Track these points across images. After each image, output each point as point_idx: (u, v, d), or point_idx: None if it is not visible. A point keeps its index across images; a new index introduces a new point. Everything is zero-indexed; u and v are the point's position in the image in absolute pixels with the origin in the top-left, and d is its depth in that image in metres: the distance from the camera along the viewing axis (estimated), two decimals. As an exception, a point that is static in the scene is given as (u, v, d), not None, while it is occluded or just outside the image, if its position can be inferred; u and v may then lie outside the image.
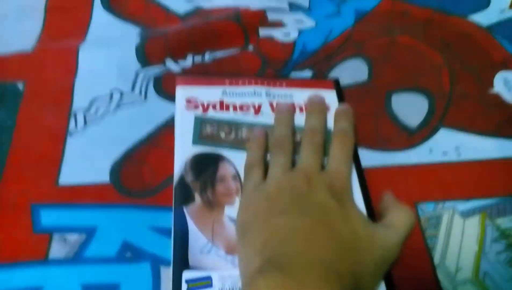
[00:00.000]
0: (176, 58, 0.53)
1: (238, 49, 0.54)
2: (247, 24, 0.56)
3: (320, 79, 0.52)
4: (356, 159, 0.43)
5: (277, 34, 0.56)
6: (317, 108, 0.46)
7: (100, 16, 0.57)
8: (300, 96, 0.48)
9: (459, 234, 0.41)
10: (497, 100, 0.51)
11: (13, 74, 0.50)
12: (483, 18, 0.59)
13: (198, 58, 0.53)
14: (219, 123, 0.45)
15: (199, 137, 0.44)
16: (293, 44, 0.55)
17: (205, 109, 0.46)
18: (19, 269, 0.37)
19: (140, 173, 0.43)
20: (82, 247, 0.38)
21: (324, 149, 0.42)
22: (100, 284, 0.37)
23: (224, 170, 0.42)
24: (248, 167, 0.41)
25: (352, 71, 0.53)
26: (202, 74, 0.51)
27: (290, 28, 0.57)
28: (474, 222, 0.42)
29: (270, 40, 0.56)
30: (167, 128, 0.46)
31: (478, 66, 0.54)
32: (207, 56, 0.53)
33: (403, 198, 0.42)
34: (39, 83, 0.50)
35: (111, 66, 0.51)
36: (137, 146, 0.45)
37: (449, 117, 0.49)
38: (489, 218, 0.42)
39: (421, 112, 0.50)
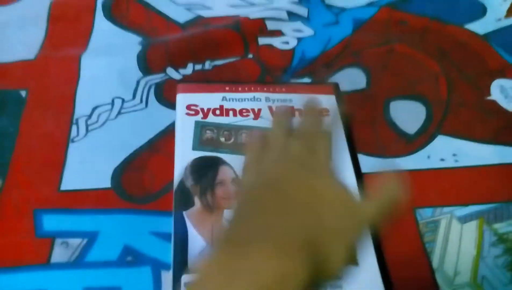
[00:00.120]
0: (176, 66, 0.53)
1: (238, 57, 0.55)
2: (247, 33, 0.57)
3: (319, 84, 0.52)
4: (356, 166, 0.44)
5: (276, 42, 0.57)
6: (311, 111, 0.43)
7: (102, 25, 0.57)
8: (300, 101, 0.49)
9: (457, 238, 0.42)
10: (494, 107, 0.52)
11: (16, 82, 0.51)
12: (479, 27, 0.59)
13: (198, 66, 0.54)
14: (219, 128, 0.46)
15: (199, 142, 0.45)
16: (292, 52, 0.56)
17: (205, 114, 0.47)
18: (22, 272, 0.37)
19: (140, 179, 0.44)
20: (84, 251, 0.39)
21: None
22: (101, 288, 0.37)
23: (224, 174, 0.43)
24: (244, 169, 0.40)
25: (351, 78, 0.53)
26: (202, 81, 0.52)
27: (289, 37, 0.58)
28: (472, 227, 0.42)
29: (270, 48, 0.56)
30: (167, 135, 0.47)
31: (475, 74, 0.55)
32: (207, 64, 0.54)
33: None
34: (42, 90, 0.50)
35: (112, 74, 0.52)
36: (138, 152, 0.46)
37: (446, 124, 0.50)
38: (486, 223, 0.43)
39: (419, 119, 0.50)
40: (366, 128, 0.49)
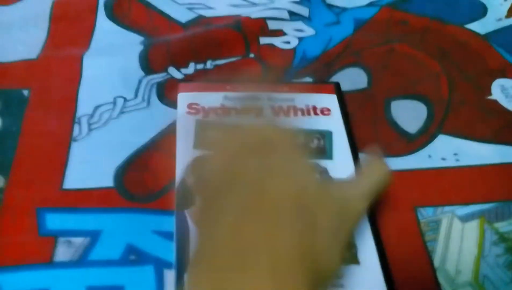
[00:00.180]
0: (178, 66, 0.54)
1: (239, 57, 0.55)
2: (248, 32, 0.57)
3: (321, 83, 0.53)
4: (357, 165, 0.44)
5: (278, 42, 0.57)
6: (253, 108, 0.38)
7: (103, 25, 0.58)
8: (302, 100, 0.49)
9: (459, 237, 0.42)
10: (495, 106, 0.52)
11: (18, 82, 0.51)
12: (480, 27, 0.60)
13: (200, 66, 0.54)
14: (222, 127, 0.46)
15: (201, 142, 0.45)
16: (294, 51, 0.56)
17: (207, 114, 0.47)
18: (25, 271, 0.38)
19: (143, 178, 0.44)
20: (87, 250, 0.39)
21: None
22: (104, 286, 0.37)
23: None
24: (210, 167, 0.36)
25: (352, 78, 0.54)
26: (203, 81, 0.52)
27: (290, 37, 0.58)
28: (473, 226, 0.43)
29: (271, 47, 0.57)
30: (169, 134, 0.47)
31: (475, 74, 0.55)
32: (209, 64, 0.54)
33: (402, 202, 0.44)
34: (44, 90, 0.50)
35: (114, 73, 0.52)
36: (140, 152, 0.46)
37: (447, 124, 0.50)
38: (487, 222, 0.43)
39: (420, 119, 0.50)
40: (367, 128, 0.49)
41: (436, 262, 0.40)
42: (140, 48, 0.55)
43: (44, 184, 0.43)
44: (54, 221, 0.40)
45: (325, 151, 0.45)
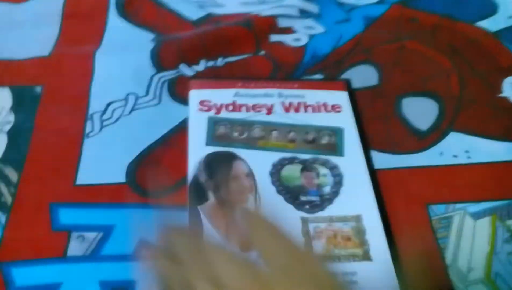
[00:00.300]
0: (189, 63, 0.54)
1: (250, 54, 0.55)
2: (258, 30, 0.57)
3: (331, 80, 0.53)
4: (368, 162, 0.44)
5: (288, 39, 0.58)
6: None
7: (115, 23, 0.58)
8: (312, 96, 0.49)
9: (471, 235, 0.42)
10: (506, 104, 0.52)
11: (31, 78, 0.52)
12: (490, 24, 0.59)
13: (210, 63, 0.54)
14: (232, 123, 0.46)
15: (212, 138, 0.45)
16: (304, 48, 0.56)
17: (218, 110, 0.47)
18: (39, 265, 0.38)
19: (155, 174, 0.44)
20: (100, 245, 0.39)
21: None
22: (117, 281, 0.37)
23: (238, 168, 0.43)
24: None
25: (362, 75, 0.54)
26: (215, 77, 0.52)
27: (301, 34, 0.58)
28: (485, 224, 0.42)
29: (281, 45, 0.57)
30: (181, 130, 0.47)
31: (486, 71, 0.55)
32: (220, 61, 0.54)
33: (414, 199, 0.44)
34: (56, 87, 0.51)
35: (126, 70, 0.52)
36: (152, 148, 0.46)
37: (458, 121, 0.50)
38: (499, 220, 0.43)
39: (431, 116, 0.50)
40: (378, 125, 0.49)
41: (448, 259, 0.40)
42: (151, 45, 0.55)
43: (57, 179, 0.43)
44: (67, 216, 0.41)
45: (336, 148, 0.45)
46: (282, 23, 0.59)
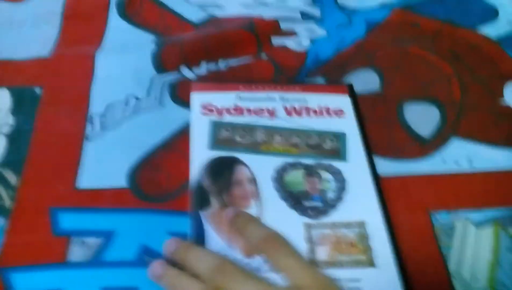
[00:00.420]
0: (190, 65, 0.53)
1: (252, 57, 0.55)
2: (260, 32, 0.57)
3: (334, 84, 0.52)
4: (373, 169, 0.44)
5: (290, 42, 0.57)
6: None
7: (116, 23, 0.57)
8: (315, 100, 0.49)
9: (473, 243, 0.42)
10: (507, 111, 0.52)
11: (30, 79, 0.51)
12: (491, 30, 0.59)
13: (212, 66, 0.54)
14: (234, 127, 0.46)
15: (214, 142, 0.45)
16: (306, 52, 0.56)
17: (220, 114, 0.47)
18: (39, 271, 0.37)
19: (156, 178, 0.44)
20: (101, 251, 0.39)
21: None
22: (119, 287, 0.37)
23: (240, 173, 0.43)
24: None
25: (364, 80, 0.53)
26: (217, 80, 0.52)
27: (302, 37, 0.58)
28: (487, 232, 0.42)
29: (283, 48, 0.56)
30: (182, 134, 0.47)
31: (487, 77, 0.55)
32: (221, 64, 0.54)
33: (416, 206, 0.43)
34: (56, 88, 0.50)
35: (127, 72, 0.52)
36: (153, 152, 0.46)
37: (460, 127, 0.50)
38: (502, 228, 0.43)
39: (432, 122, 0.50)
40: (380, 130, 0.49)
41: (451, 267, 0.40)
42: (152, 47, 0.55)
43: (58, 183, 0.43)
44: (67, 221, 0.40)
45: (340, 153, 0.45)
46: (284, 26, 0.59)
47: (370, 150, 0.46)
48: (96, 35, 0.56)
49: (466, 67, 0.55)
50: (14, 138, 0.46)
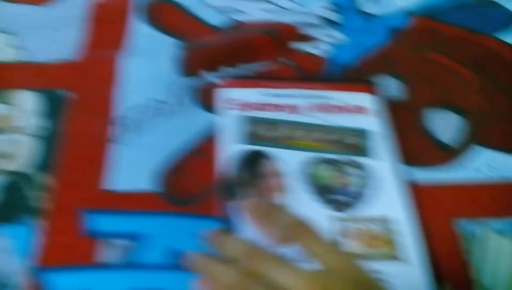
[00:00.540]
0: (212, 69, 0.54)
1: (273, 62, 0.56)
2: (281, 37, 0.57)
3: (356, 81, 0.53)
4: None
5: (309, 48, 0.58)
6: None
7: (139, 28, 0.58)
8: (337, 98, 0.49)
9: (495, 251, 0.42)
10: (529, 119, 0.52)
11: (56, 83, 0.52)
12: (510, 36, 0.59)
13: (234, 71, 0.54)
14: (260, 122, 0.47)
15: (240, 136, 0.46)
16: (325, 58, 0.56)
17: (245, 109, 0.48)
18: (67, 272, 0.38)
19: (183, 181, 0.45)
20: (129, 253, 0.39)
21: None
22: (146, 289, 0.38)
23: (267, 166, 0.44)
24: None
25: (385, 87, 0.54)
26: (241, 77, 0.53)
27: (322, 43, 0.58)
28: (509, 240, 0.43)
29: (304, 53, 0.57)
30: (207, 138, 0.48)
31: (509, 84, 0.55)
32: (243, 69, 0.55)
33: (438, 214, 0.44)
34: (82, 91, 0.51)
35: (151, 76, 0.53)
36: (178, 155, 0.46)
37: (482, 135, 0.50)
38: (524, 236, 0.43)
39: (455, 130, 0.50)
40: (402, 137, 0.49)
41: (473, 275, 0.40)
42: (175, 51, 0.55)
43: (87, 185, 0.44)
44: (96, 223, 0.41)
45: (363, 149, 0.46)
46: (304, 31, 0.59)
47: (393, 146, 0.46)
48: (119, 39, 0.56)
49: (488, 74, 0.56)
50: (46, 141, 0.47)
